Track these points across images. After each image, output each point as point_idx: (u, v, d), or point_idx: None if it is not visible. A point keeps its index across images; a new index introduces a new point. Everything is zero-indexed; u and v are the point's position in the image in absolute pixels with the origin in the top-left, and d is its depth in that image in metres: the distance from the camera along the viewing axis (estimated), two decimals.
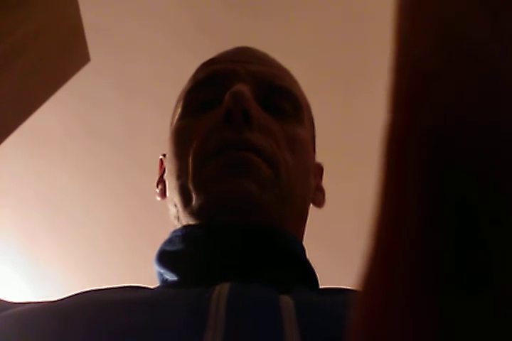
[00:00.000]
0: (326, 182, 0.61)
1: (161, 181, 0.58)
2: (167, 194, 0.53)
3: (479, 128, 0.13)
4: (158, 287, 0.47)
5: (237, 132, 0.47)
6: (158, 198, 0.58)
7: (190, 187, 0.47)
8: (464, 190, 0.13)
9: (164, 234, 0.50)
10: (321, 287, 0.47)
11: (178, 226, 0.49)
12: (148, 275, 0.57)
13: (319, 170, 0.61)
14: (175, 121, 0.54)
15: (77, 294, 0.41)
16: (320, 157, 0.60)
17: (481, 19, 0.13)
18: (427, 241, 0.14)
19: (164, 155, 0.59)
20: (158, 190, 0.58)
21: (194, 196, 0.47)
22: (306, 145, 0.53)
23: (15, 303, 0.43)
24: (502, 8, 0.13)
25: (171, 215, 0.52)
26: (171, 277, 0.46)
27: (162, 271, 0.47)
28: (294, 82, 0.58)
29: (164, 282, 0.47)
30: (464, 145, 0.13)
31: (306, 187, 0.52)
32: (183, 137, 0.51)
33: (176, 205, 0.50)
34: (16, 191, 1.91)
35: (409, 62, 0.15)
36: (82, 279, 2.05)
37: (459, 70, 0.14)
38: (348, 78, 1.55)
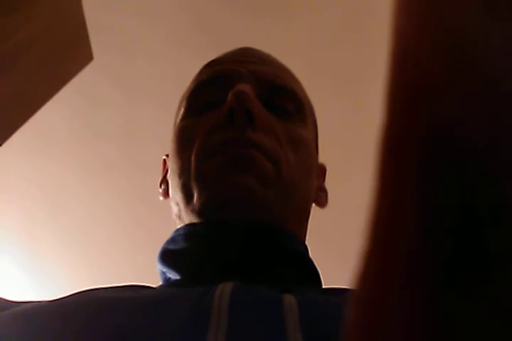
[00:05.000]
0: (327, 182, 0.61)
1: (164, 181, 0.58)
2: (170, 194, 0.54)
3: (479, 130, 0.13)
4: (160, 286, 0.47)
5: (239, 132, 0.47)
6: (161, 198, 0.58)
7: (192, 184, 0.47)
8: (464, 189, 0.13)
9: (167, 232, 0.50)
10: (324, 287, 0.47)
11: (181, 225, 0.49)
12: (151, 274, 0.57)
13: (322, 170, 0.61)
14: (178, 121, 0.54)
15: (79, 293, 0.41)
16: (321, 157, 0.60)
17: (487, 28, 0.13)
18: (425, 240, 0.14)
19: (168, 156, 0.59)
20: (161, 190, 0.58)
21: (195, 194, 0.47)
22: (308, 145, 0.53)
23: (17, 302, 0.43)
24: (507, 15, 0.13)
25: (174, 214, 0.52)
26: (173, 276, 0.46)
27: (165, 269, 0.47)
28: (297, 82, 0.58)
29: (167, 281, 0.47)
30: (463, 145, 0.13)
31: (308, 186, 0.52)
32: (185, 136, 0.51)
33: (177, 204, 0.50)
34: (19, 188, 1.92)
35: (412, 67, 0.15)
36: (84, 277, 2.05)
37: (461, 79, 0.14)
38: (349, 78, 1.55)
